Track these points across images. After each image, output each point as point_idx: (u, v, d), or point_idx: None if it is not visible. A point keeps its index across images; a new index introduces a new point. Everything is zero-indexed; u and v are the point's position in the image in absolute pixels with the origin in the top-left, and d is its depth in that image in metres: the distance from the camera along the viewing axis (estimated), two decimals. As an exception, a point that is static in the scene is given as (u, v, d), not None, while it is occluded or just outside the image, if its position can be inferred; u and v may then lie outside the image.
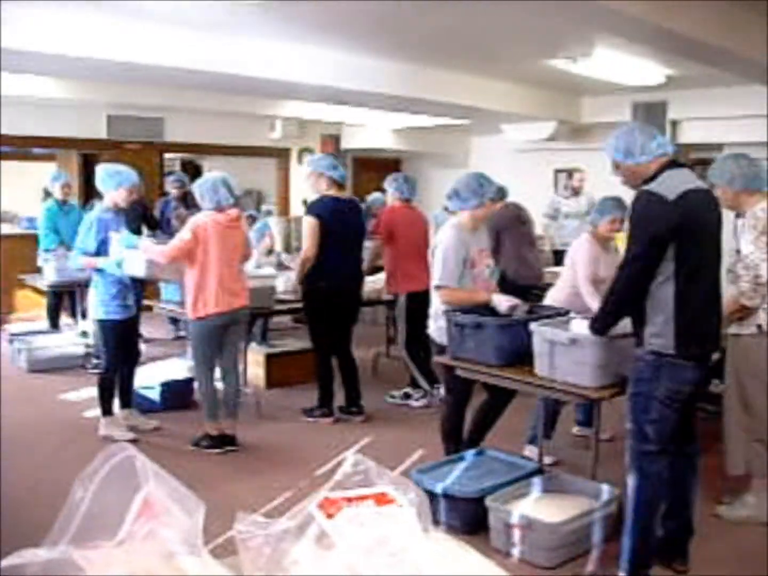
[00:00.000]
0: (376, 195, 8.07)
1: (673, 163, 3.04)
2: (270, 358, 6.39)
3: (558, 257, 7.77)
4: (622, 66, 6.43)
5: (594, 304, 4.07)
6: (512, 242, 6.05)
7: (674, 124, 8.29)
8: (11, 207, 10.54)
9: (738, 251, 3.68)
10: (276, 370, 6.35)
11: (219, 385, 4.90)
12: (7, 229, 9.51)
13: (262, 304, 5.63)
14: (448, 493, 3.61)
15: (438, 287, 4.05)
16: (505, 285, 4.82)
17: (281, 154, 10.90)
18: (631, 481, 3.04)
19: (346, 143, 11.09)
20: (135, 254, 4.74)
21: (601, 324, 3.21)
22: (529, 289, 5.64)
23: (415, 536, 1.57)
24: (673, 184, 2.93)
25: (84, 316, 7.03)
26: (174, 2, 4.77)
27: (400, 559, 1.52)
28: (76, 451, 4.70)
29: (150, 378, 5.67)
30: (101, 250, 4.83)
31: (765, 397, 3.69)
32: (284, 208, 11.03)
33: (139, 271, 4.74)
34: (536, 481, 3.73)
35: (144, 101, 7.97)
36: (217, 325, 4.70)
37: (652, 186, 2.94)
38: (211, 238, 4.59)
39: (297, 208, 10.86)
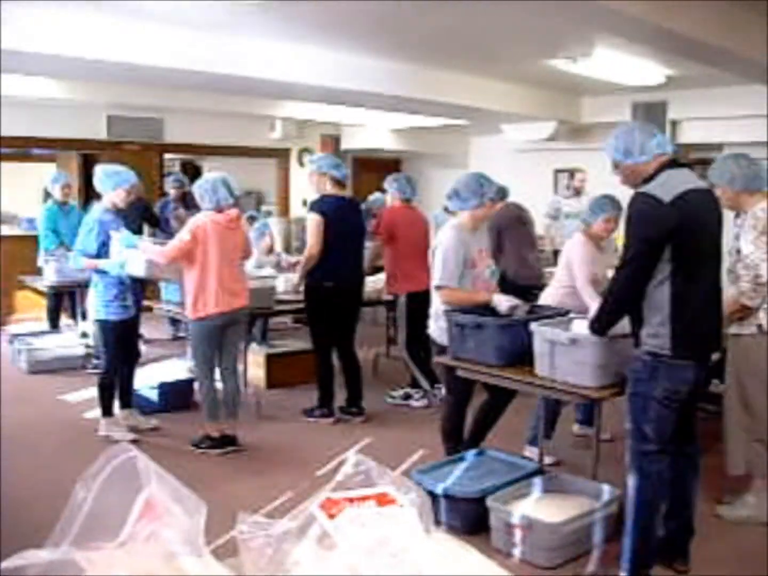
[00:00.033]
0: (376, 195, 8.08)
1: (673, 163, 3.04)
2: (270, 359, 6.39)
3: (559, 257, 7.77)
4: (622, 66, 6.43)
5: (594, 305, 4.07)
6: (513, 242, 6.06)
7: (674, 124, 8.29)
8: (11, 208, 10.53)
9: (738, 251, 3.68)
10: (276, 370, 6.35)
11: (219, 385, 4.90)
12: (7, 230, 9.50)
13: (262, 304, 5.63)
14: (449, 493, 3.61)
15: (438, 287, 4.05)
16: (506, 285, 4.82)
17: (281, 155, 10.90)
18: (631, 481, 3.05)
19: (345, 143, 11.09)
20: (135, 254, 4.74)
21: (600, 324, 3.21)
22: (529, 289, 5.63)
23: (417, 537, 1.57)
24: (672, 184, 2.92)
25: (84, 316, 7.03)
26: (174, 2, 4.77)
27: (402, 560, 1.52)
28: (76, 452, 4.70)
29: (149, 378, 5.67)
30: (101, 251, 4.83)
31: (765, 397, 3.69)
32: (284, 209, 11.03)
33: (139, 270, 4.74)
34: (537, 482, 3.73)
35: (144, 102, 7.96)
36: (217, 325, 4.70)
37: (649, 188, 2.94)
38: (211, 239, 4.59)
39: (297, 209, 10.87)
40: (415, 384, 5.91)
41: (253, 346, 6.45)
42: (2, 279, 8.38)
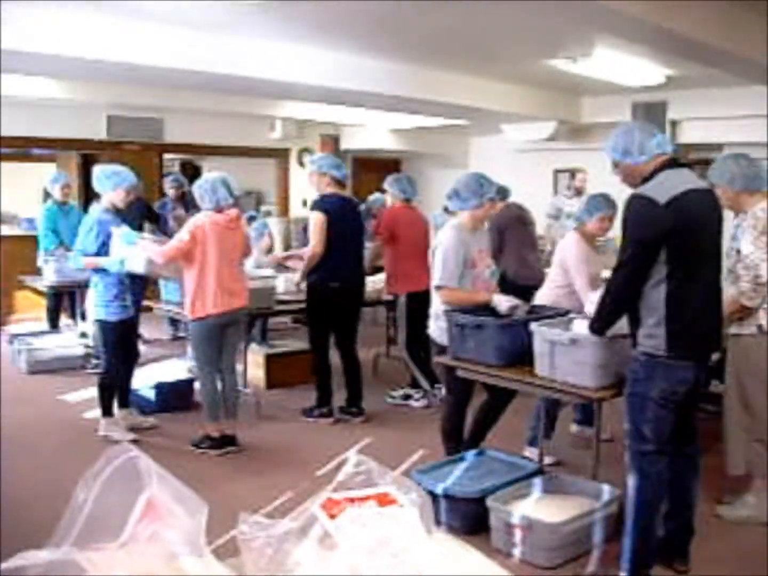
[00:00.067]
0: (376, 195, 8.07)
1: (673, 163, 3.04)
2: (270, 359, 6.39)
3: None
4: (622, 66, 6.43)
5: (592, 307, 4.06)
6: (513, 243, 6.06)
7: (674, 124, 8.29)
8: (11, 208, 10.53)
9: (738, 251, 3.68)
10: (276, 370, 6.35)
11: (218, 385, 4.89)
12: (6, 230, 9.50)
13: (262, 304, 5.64)
14: (449, 493, 3.61)
15: (438, 287, 4.05)
16: (506, 285, 4.82)
17: (281, 155, 10.90)
18: (631, 481, 3.05)
19: (345, 143, 11.09)
20: (135, 250, 4.74)
21: (599, 324, 3.22)
22: (529, 289, 5.62)
23: (418, 537, 1.57)
24: (668, 186, 2.92)
25: (83, 317, 7.03)
26: (174, 2, 4.77)
27: (402, 560, 1.52)
28: (76, 452, 4.70)
29: (148, 378, 5.67)
30: (101, 251, 4.83)
31: (765, 397, 3.69)
32: (284, 209, 11.03)
33: (139, 267, 4.74)
34: (537, 482, 3.73)
35: (144, 102, 7.97)
36: (217, 325, 4.70)
37: (645, 189, 2.94)
38: (210, 239, 4.59)
39: (297, 209, 10.87)
40: (415, 384, 5.91)
41: (253, 346, 6.45)
42: (2, 279, 8.38)
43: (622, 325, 3.18)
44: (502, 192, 5.92)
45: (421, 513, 1.60)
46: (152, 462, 1.51)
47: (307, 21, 5.28)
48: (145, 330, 7.73)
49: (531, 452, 4.44)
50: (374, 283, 6.30)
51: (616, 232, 3.84)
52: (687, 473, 3.27)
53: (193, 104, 8.12)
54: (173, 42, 5.38)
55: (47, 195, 7.47)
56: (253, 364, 6.27)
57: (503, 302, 3.95)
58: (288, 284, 6.11)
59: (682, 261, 2.90)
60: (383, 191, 6.38)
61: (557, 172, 10.41)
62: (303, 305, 5.57)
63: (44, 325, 7.43)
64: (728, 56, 5.13)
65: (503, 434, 4.42)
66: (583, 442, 4.77)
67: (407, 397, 5.93)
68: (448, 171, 9.81)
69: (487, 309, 3.93)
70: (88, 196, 8.89)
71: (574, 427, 5.03)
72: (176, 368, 6.19)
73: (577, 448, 4.77)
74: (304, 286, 5.48)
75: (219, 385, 4.87)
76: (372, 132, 10.63)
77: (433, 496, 3.54)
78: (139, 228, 7.15)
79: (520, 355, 3.70)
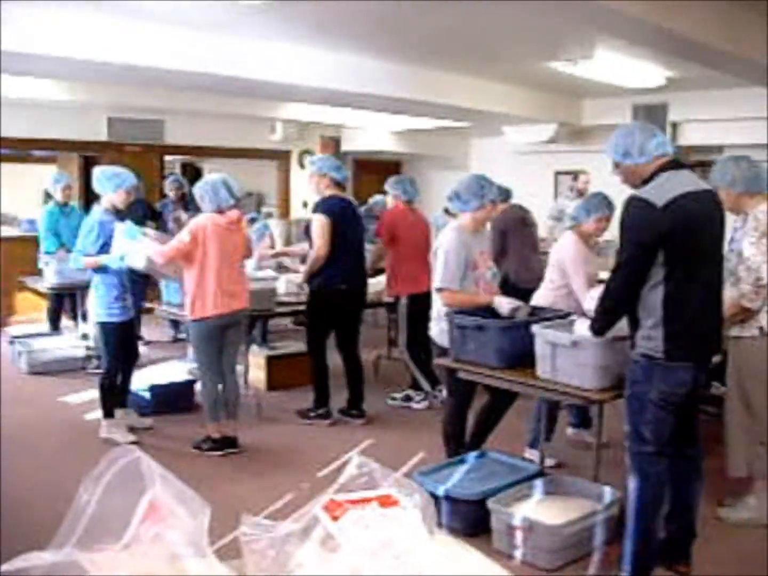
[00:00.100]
0: (377, 197, 8.07)
1: (673, 164, 3.03)
2: (271, 360, 6.39)
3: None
4: (623, 68, 6.43)
5: (593, 303, 4.05)
6: (515, 244, 6.05)
7: (674, 126, 8.30)
8: (12, 209, 10.55)
9: (739, 254, 3.68)
10: (277, 372, 6.35)
11: (219, 386, 4.89)
12: (7, 231, 9.50)
13: (262, 306, 5.63)
14: (450, 495, 3.61)
15: (439, 289, 4.04)
16: (507, 287, 4.82)
17: (281, 157, 10.91)
18: (631, 483, 3.04)
19: (346, 145, 11.10)
20: (136, 247, 4.73)
21: (599, 325, 3.21)
22: (530, 291, 5.62)
23: (420, 538, 1.56)
24: (667, 188, 2.91)
25: (84, 318, 7.02)
26: (174, 2, 4.77)
27: (405, 562, 1.52)
28: (77, 453, 4.70)
29: (147, 380, 5.67)
30: (102, 253, 4.82)
31: (766, 399, 3.69)
32: (285, 211, 11.04)
33: (140, 263, 4.73)
34: (538, 484, 3.73)
35: (144, 103, 7.98)
36: (217, 326, 4.70)
37: (643, 191, 2.94)
38: (211, 240, 4.59)
39: (297, 211, 10.88)
40: (416, 386, 5.91)
41: (254, 347, 6.45)
42: (2, 280, 8.38)
43: (623, 326, 3.18)
44: (504, 194, 5.92)
45: (423, 515, 1.60)
46: (154, 463, 1.50)
47: (307, 21, 5.28)
48: (146, 331, 7.74)
49: (532, 454, 4.44)
50: (375, 284, 6.30)
51: (614, 233, 3.84)
52: (689, 475, 3.26)
53: (194, 106, 8.13)
54: (174, 43, 5.39)
55: (48, 196, 7.48)
56: (254, 366, 6.27)
57: (504, 304, 3.95)
58: (289, 286, 6.11)
59: (681, 263, 2.89)
60: (384, 193, 6.38)
61: (558, 174, 10.41)
62: (304, 306, 5.56)
63: (45, 327, 7.43)
64: (728, 57, 5.13)
65: (504, 436, 4.42)
66: (581, 445, 4.77)
67: (408, 398, 5.93)
68: (448, 173, 9.82)
69: (489, 311, 3.93)
70: (89, 197, 8.87)
71: (570, 431, 5.01)
72: (174, 370, 6.18)
73: (577, 450, 4.76)
74: (306, 287, 5.48)
75: (220, 387, 4.87)
76: (373, 134, 10.63)
77: (435, 498, 3.53)
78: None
79: (522, 357, 3.70)
